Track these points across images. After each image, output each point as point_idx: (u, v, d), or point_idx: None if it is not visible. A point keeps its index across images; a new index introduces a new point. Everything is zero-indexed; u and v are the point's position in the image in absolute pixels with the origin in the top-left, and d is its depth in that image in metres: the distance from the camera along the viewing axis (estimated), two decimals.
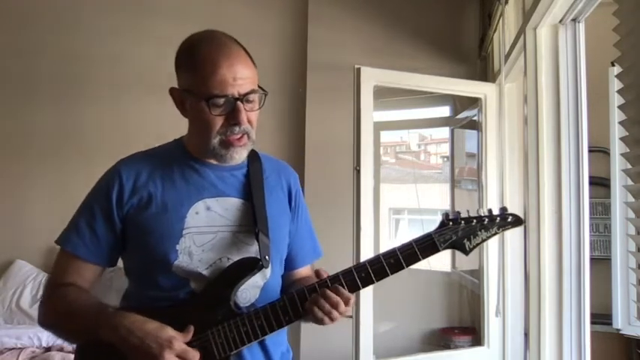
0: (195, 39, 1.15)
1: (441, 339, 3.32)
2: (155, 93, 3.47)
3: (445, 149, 4.16)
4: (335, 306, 1.06)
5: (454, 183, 3.69)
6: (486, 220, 1.11)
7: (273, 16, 3.54)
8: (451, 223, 1.10)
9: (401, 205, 4.83)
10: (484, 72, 3.25)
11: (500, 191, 2.74)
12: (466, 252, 1.10)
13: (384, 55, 3.24)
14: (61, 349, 2.67)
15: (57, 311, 1.12)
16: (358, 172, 2.50)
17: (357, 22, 3.37)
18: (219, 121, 1.10)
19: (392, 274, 1.09)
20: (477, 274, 3.03)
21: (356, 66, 2.56)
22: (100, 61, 3.49)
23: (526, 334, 2.51)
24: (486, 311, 2.78)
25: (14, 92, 3.45)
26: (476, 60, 3.36)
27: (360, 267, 1.09)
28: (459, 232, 1.10)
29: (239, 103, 1.09)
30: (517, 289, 2.71)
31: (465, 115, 3.43)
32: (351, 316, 1.16)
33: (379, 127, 3.42)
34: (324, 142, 3.26)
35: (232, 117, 1.10)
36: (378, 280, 1.09)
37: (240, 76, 1.09)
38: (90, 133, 3.46)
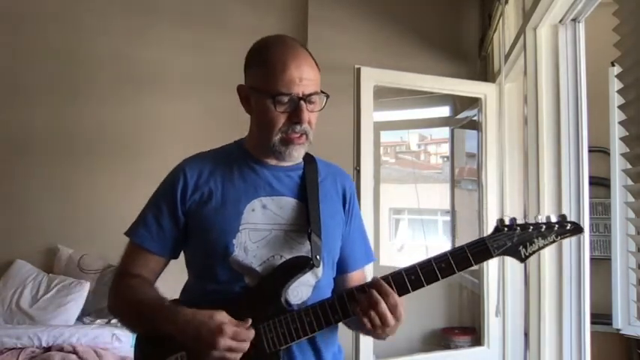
0: (267, 40, 1.20)
1: (441, 339, 3.32)
2: (156, 92, 3.50)
3: (445, 149, 4.16)
4: (374, 305, 1.05)
5: (454, 183, 3.69)
6: (544, 227, 1.08)
7: (273, 15, 3.54)
8: (506, 229, 1.08)
9: (401, 205, 4.83)
10: (484, 72, 3.25)
11: (500, 191, 2.75)
12: (521, 259, 1.08)
13: (384, 55, 3.24)
14: (60, 349, 2.67)
15: (123, 304, 1.20)
16: (358, 172, 2.50)
17: (357, 22, 3.38)
18: (282, 119, 1.15)
19: (442, 278, 1.08)
20: (477, 274, 3.03)
21: (356, 66, 2.56)
22: (100, 61, 3.49)
23: (526, 334, 2.51)
24: (486, 311, 2.78)
25: (14, 92, 3.45)
26: (476, 60, 3.36)
27: (410, 270, 1.09)
28: (515, 238, 1.08)
29: (302, 102, 1.14)
30: (517, 289, 2.71)
31: (465, 115, 3.43)
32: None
33: (379, 127, 3.42)
34: (324, 142, 3.24)
35: (295, 115, 1.14)
36: (428, 284, 1.08)
37: (307, 77, 1.14)
38: (90, 133, 3.45)
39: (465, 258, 1.08)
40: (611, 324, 2.08)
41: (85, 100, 3.48)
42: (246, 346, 1.05)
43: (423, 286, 1.08)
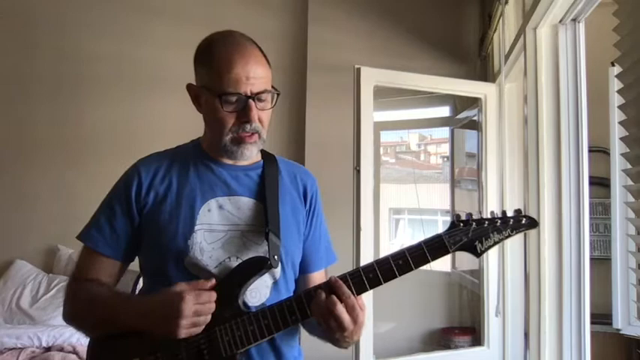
0: (213, 37, 1.17)
1: (441, 339, 3.32)
2: (155, 92, 3.50)
3: (445, 149, 4.16)
4: (331, 305, 1.02)
5: (454, 183, 3.69)
6: (499, 221, 1.07)
7: (274, 16, 3.54)
8: (462, 224, 1.07)
9: (401, 205, 4.83)
10: (484, 72, 3.25)
11: (500, 191, 2.74)
12: (477, 254, 1.07)
13: (384, 55, 3.24)
14: (61, 349, 2.67)
15: (78, 306, 1.16)
16: (358, 172, 2.50)
17: (357, 22, 3.37)
18: (230, 119, 1.13)
19: (400, 275, 1.07)
20: (477, 274, 3.03)
21: (356, 66, 2.55)
22: (100, 61, 3.49)
23: (526, 334, 2.51)
24: (486, 311, 2.78)
25: (15, 92, 3.45)
26: (476, 60, 3.36)
27: (368, 268, 1.07)
28: (470, 233, 1.07)
29: (250, 101, 1.11)
30: (517, 289, 2.71)
31: (465, 115, 3.43)
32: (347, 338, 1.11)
33: (379, 127, 3.42)
34: (324, 142, 3.26)
35: (243, 115, 1.12)
36: (386, 282, 1.07)
37: (254, 75, 1.11)
38: (90, 133, 3.45)
39: (421, 254, 1.06)
40: (611, 324, 2.07)
41: (86, 100, 3.48)
42: (212, 306, 1.04)
43: (381, 284, 1.07)
